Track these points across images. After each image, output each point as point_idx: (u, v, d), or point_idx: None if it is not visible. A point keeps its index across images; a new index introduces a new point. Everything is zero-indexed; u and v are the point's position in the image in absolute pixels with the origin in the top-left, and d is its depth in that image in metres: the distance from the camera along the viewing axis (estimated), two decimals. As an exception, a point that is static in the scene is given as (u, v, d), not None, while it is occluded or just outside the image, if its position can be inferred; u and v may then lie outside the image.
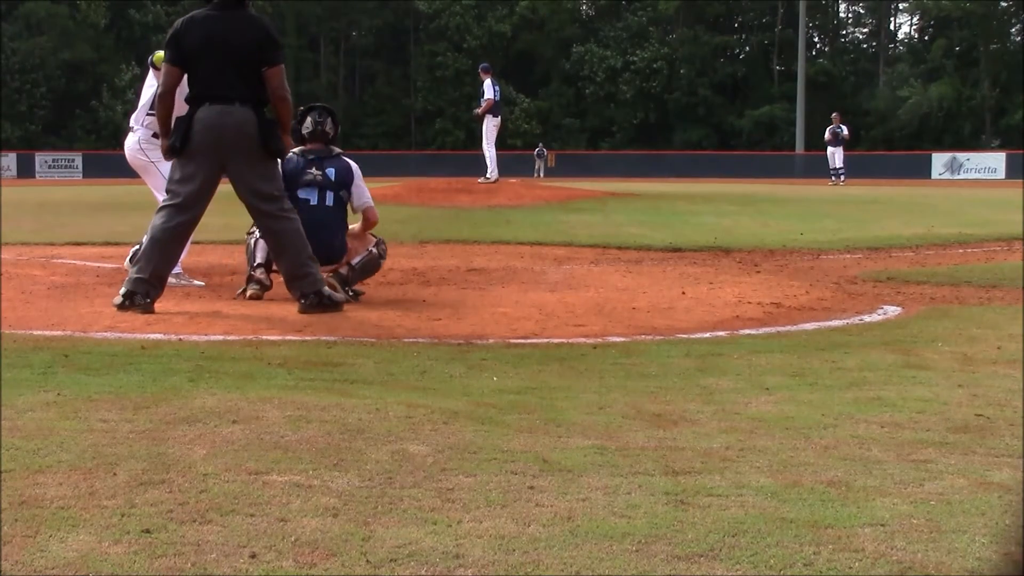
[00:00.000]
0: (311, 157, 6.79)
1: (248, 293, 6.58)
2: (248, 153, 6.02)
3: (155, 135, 7.42)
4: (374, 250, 6.87)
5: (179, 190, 6.08)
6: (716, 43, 59.73)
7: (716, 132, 57.78)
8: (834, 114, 32.85)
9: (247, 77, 6.01)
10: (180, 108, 6.19)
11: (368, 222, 7.02)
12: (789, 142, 51.06)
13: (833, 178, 31.44)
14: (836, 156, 31.29)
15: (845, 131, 31.44)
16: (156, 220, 6.13)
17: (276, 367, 4.52)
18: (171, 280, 7.11)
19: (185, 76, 6.12)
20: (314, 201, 6.68)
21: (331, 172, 6.76)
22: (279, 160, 6.33)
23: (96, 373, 4.32)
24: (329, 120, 6.91)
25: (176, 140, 6.01)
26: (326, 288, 6.13)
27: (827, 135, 31.64)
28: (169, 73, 6.11)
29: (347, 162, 6.91)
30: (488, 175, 19.69)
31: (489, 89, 18.97)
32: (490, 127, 19.23)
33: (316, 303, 6.01)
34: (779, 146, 53.15)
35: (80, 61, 52.84)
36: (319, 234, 6.52)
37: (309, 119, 6.87)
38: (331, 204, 6.72)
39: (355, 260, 6.76)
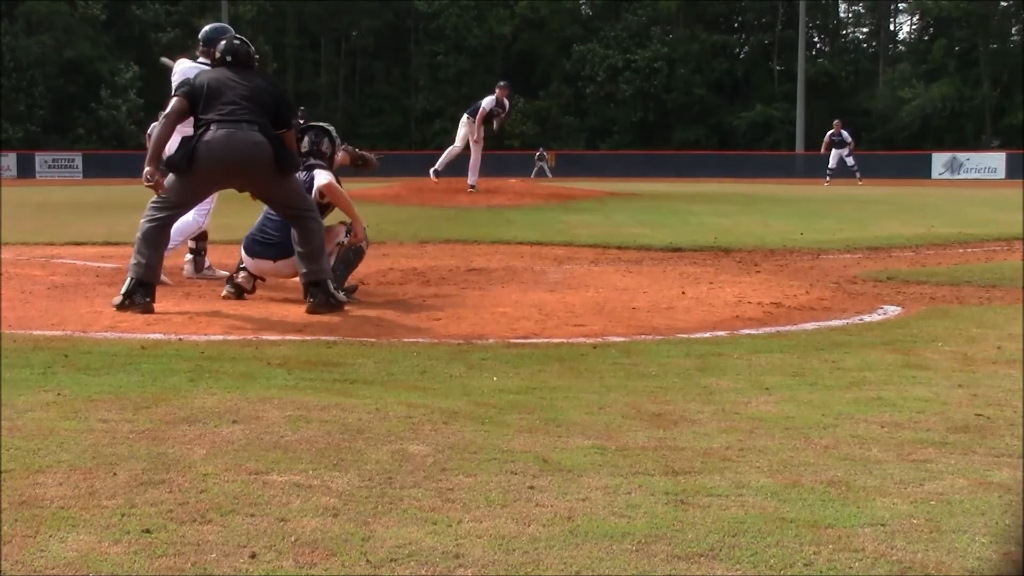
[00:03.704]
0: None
1: (223, 292, 6.64)
2: (264, 173, 6.14)
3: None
4: (343, 240, 6.77)
5: (170, 197, 6.18)
6: (716, 42, 59.71)
7: (715, 132, 57.76)
8: (836, 121, 32.68)
9: (258, 108, 6.16)
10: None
11: (335, 199, 6.75)
12: (788, 142, 51.04)
13: (828, 176, 31.19)
14: (841, 156, 31.02)
15: (846, 136, 31.19)
16: (142, 219, 6.20)
17: (276, 367, 4.52)
18: (206, 272, 7.63)
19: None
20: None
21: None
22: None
23: (96, 373, 4.32)
24: (325, 140, 6.98)
25: (183, 159, 6.08)
26: (331, 282, 6.22)
27: (826, 140, 31.37)
28: (179, 102, 6.27)
29: (313, 174, 6.75)
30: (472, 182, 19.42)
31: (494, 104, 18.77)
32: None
33: (323, 302, 6.09)
34: (778, 146, 53.13)
35: (80, 59, 52.78)
36: (264, 231, 6.66)
37: (306, 139, 6.95)
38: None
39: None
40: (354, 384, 4.22)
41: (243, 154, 6.05)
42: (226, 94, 6.16)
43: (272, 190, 6.27)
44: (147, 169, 6.14)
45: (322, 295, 6.11)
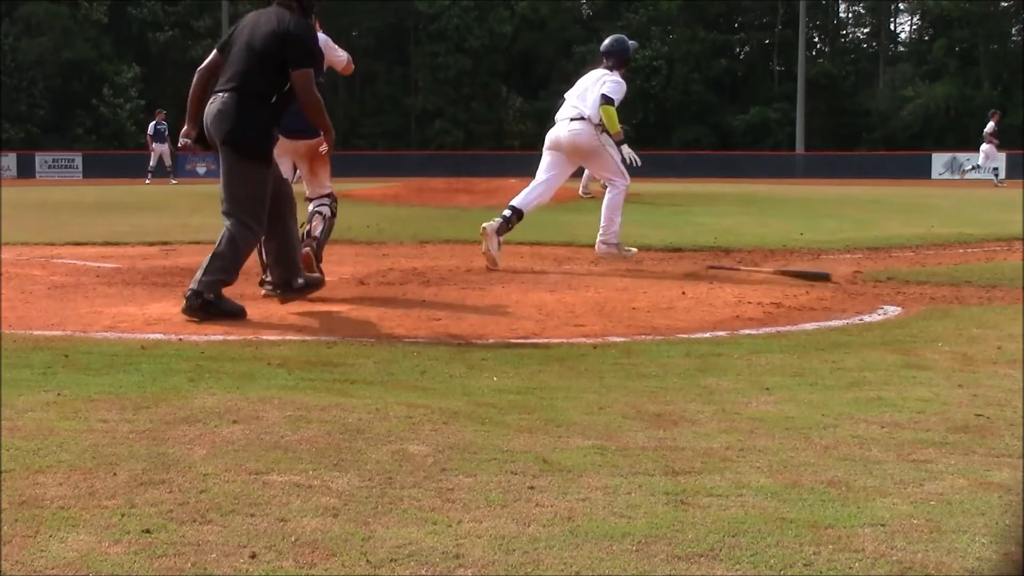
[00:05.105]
0: None
1: (263, 292, 6.62)
2: (220, 144, 5.89)
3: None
4: (324, 210, 7.15)
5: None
6: (715, 42, 59.71)
7: (715, 132, 57.75)
8: (993, 110, 31.84)
9: (255, 70, 5.83)
10: None
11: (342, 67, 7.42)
12: (788, 142, 51.01)
13: (995, 179, 30.41)
14: (990, 154, 30.22)
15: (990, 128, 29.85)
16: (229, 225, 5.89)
17: (276, 367, 4.52)
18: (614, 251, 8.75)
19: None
20: None
21: None
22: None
23: (96, 373, 4.32)
24: None
25: (199, 135, 6.06)
26: (209, 293, 5.74)
27: (989, 132, 30.20)
28: (213, 55, 6.15)
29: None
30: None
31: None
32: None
33: (195, 307, 5.70)
34: (778, 146, 53.11)
35: (80, 60, 52.74)
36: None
37: None
38: None
39: (317, 231, 7.01)
40: (354, 384, 4.22)
41: (213, 121, 5.87)
42: (233, 49, 5.93)
43: (227, 171, 5.86)
44: (184, 128, 6.09)
45: (196, 301, 5.69)
